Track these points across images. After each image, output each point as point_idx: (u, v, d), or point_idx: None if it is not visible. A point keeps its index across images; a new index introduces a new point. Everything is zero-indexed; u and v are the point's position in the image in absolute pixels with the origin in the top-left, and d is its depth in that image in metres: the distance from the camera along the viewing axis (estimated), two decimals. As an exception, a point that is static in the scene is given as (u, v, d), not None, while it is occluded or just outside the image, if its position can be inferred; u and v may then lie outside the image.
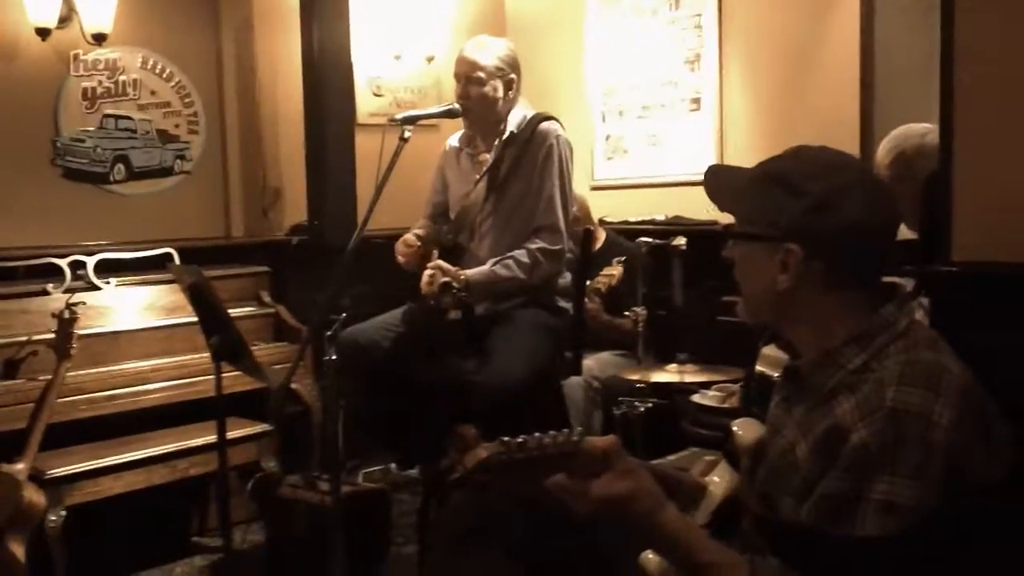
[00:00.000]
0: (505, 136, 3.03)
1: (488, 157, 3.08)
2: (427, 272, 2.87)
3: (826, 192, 1.27)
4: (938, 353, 1.24)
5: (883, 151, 2.73)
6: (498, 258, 2.92)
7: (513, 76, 3.04)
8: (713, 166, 1.49)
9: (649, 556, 1.40)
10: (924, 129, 2.56)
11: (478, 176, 3.09)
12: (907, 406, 1.16)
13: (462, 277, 2.81)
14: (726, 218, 1.47)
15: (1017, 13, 1.88)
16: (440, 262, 2.91)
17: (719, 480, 1.52)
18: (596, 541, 1.42)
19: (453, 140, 3.23)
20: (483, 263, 2.97)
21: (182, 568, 3.37)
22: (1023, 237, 1.86)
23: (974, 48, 1.94)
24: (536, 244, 2.95)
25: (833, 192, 1.27)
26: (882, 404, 1.17)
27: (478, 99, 2.98)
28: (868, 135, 3.53)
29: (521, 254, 2.93)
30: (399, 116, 2.78)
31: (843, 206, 1.26)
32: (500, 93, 3.00)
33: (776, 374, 1.59)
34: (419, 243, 2.98)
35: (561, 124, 3.08)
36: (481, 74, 2.97)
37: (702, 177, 1.48)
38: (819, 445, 1.23)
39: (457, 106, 3.00)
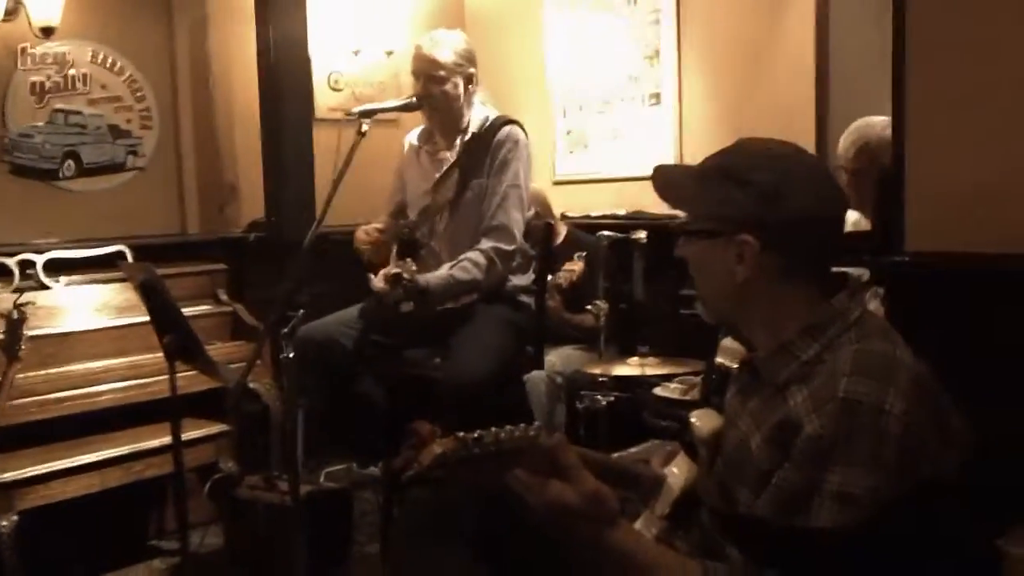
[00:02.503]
0: (467, 138, 3.01)
1: (448, 155, 3.06)
2: (382, 271, 2.84)
3: (772, 181, 1.27)
4: (890, 343, 1.24)
5: (846, 142, 2.75)
6: (454, 262, 2.90)
7: (472, 70, 3.01)
8: (659, 166, 1.48)
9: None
10: (886, 121, 2.58)
11: (438, 174, 3.07)
12: (859, 396, 1.16)
13: (413, 268, 2.77)
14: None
15: (966, 9, 1.91)
16: (397, 261, 2.88)
17: (678, 472, 1.52)
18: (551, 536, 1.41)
19: (412, 137, 3.20)
20: (442, 261, 2.95)
21: (140, 572, 3.31)
22: (974, 228, 1.89)
23: (926, 43, 1.97)
24: (488, 244, 2.92)
25: (780, 181, 1.27)
26: (834, 395, 1.17)
27: (440, 97, 2.96)
28: (823, 128, 3.57)
29: (476, 255, 2.90)
30: (356, 110, 2.74)
31: (792, 195, 1.27)
32: (460, 89, 2.98)
33: (736, 366, 1.60)
34: (379, 234, 2.95)
35: (523, 127, 3.06)
36: (442, 72, 2.94)
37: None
38: (772, 437, 1.24)
39: (415, 100, 2.97)
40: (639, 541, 1.25)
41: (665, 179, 1.44)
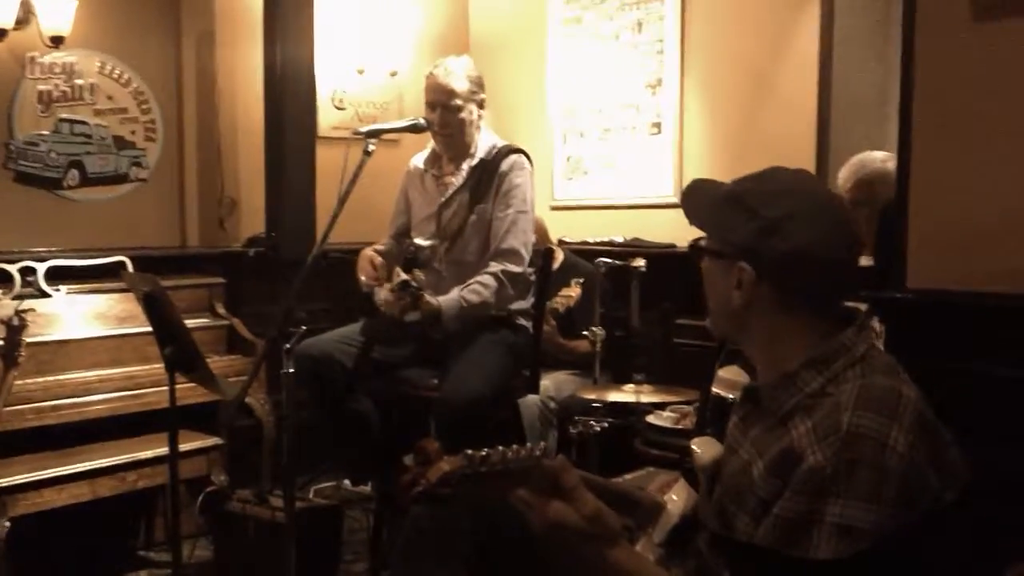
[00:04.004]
0: (474, 162, 3.04)
1: (453, 180, 3.09)
2: (388, 285, 2.85)
3: (777, 217, 1.29)
4: (895, 379, 1.25)
5: (844, 176, 2.78)
6: (464, 285, 2.91)
7: (483, 96, 3.06)
8: (696, 180, 1.50)
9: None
10: (884, 156, 2.62)
11: (443, 198, 3.09)
12: (863, 430, 1.17)
13: (422, 277, 2.77)
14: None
15: (973, 52, 1.95)
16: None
17: (677, 499, 1.53)
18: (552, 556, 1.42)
19: (417, 160, 3.23)
20: (445, 283, 2.96)
21: (128, 583, 3.29)
22: (974, 266, 1.92)
23: (932, 85, 2.00)
24: (499, 267, 2.94)
25: (783, 217, 1.29)
26: (838, 428, 1.18)
27: (458, 126, 3.00)
28: (823, 162, 3.61)
29: (487, 278, 2.92)
30: (363, 129, 2.75)
31: (790, 232, 1.28)
32: (475, 116, 3.03)
33: (732, 396, 1.62)
34: (382, 265, 2.95)
35: (527, 156, 3.10)
36: (459, 101, 2.98)
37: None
38: (774, 466, 1.25)
39: (422, 121, 2.99)
40: (639, 561, 1.26)
41: (694, 192, 1.47)
